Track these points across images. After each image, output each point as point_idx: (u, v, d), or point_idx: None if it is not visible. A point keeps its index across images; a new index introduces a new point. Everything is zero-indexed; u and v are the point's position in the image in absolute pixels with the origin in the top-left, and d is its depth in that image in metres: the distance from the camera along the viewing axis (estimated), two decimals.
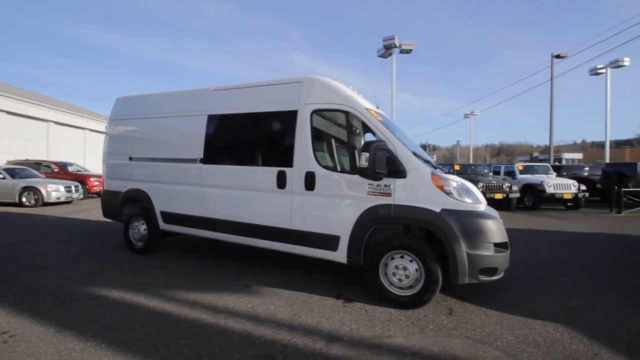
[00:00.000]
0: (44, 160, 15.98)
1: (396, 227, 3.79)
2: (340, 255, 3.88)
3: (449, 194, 3.50)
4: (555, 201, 12.47)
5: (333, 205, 3.93)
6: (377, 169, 3.45)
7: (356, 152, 3.89)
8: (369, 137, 4.01)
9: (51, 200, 11.74)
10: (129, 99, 5.99)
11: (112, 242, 6.41)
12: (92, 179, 14.50)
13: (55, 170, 14.78)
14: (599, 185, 14.08)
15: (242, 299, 3.75)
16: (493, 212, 3.90)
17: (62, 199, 12.09)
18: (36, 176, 12.86)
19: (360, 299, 3.78)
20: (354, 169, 3.83)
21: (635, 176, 12.89)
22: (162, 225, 5.32)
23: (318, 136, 4.20)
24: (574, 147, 75.79)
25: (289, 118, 4.25)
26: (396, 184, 3.61)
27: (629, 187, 12.42)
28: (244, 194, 4.52)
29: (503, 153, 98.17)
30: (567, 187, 12.33)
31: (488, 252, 3.40)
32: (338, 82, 4.23)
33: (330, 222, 3.94)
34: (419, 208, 3.51)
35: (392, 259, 3.63)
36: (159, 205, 5.31)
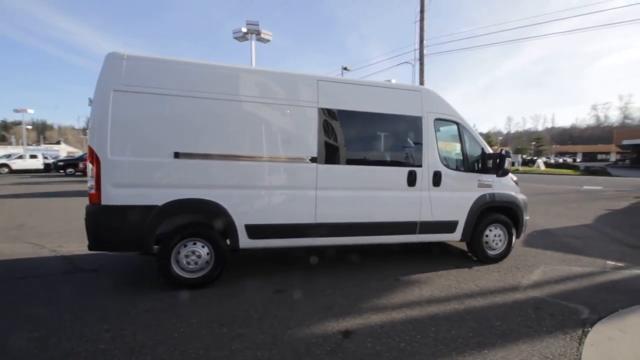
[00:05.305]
0: None
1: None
2: (456, 235, 5.02)
3: (516, 183, 5.43)
4: None
5: (454, 197, 4.96)
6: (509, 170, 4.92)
7: (466, 155, 5.04)
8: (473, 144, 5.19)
9: None
10: (152, 62, 3.89)
11: (91, 287, 4.06)
12: None
13: None
14: None
15: (426, 288, 4.20)
16: None
17: None
18: None
19: (469, 265, 5.09)
20: (467, 168, 5.05)
21: None
22: (245, 242, 4.20)
23: (438, 140, 4.97)
24: None
25: (415, 122, 4.79)
26: (494, 179, 5.14)
27: None
28: (371, 194, 4.59)
29: None
30: None
31: (528, 217, 5.61)
32: None
33: (452, 211, 4.95)
34: (508, 194, 5.24)
35: (491, 230, 5.18)
36: (243, 218, 4.14)
